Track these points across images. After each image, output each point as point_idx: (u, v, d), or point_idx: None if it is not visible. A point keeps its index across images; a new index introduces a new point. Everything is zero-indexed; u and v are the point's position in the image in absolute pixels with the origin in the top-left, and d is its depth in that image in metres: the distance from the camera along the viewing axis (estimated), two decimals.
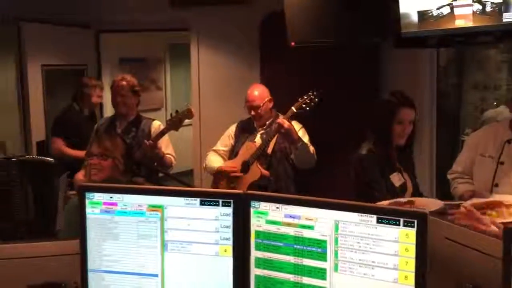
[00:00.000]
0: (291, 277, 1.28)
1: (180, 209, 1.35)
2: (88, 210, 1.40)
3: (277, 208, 1.29)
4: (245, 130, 3.46)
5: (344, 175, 2.59)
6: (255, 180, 3.24)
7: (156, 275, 1.37)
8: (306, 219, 1.26)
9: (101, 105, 4.91)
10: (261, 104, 3.30)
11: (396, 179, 2.46)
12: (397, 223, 1.15)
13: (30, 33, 4.07)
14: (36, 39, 4.12)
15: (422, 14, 2.71)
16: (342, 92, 3.79)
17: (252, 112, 3.34)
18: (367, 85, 3.90)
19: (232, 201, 1.32)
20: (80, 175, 3.51)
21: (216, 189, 1.29)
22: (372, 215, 1.17)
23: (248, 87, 3.46)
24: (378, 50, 3.95)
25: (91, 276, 1.40)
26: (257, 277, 1.32)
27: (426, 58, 3.81)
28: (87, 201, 1.40)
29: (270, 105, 3.38)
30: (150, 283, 1.37)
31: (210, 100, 4.55)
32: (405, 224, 1.14)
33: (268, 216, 1.30)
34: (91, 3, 4.64)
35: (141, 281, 1.38)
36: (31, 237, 2.45)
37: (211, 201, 1.33)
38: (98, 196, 1.40)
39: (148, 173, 3.20)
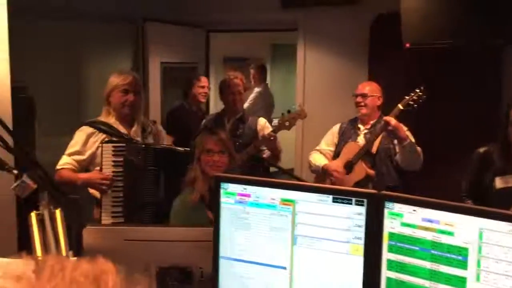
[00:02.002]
0: (426, 283, 1.24)
1: (312, 205, 1.37)
2: (223, 199, 1.46)
3: (414, 211, 1.26)
4: (348, 130, 3.44)
5: (449, 179, 2.54)
6: (360, 180, 3.21)
7: (285, 268, 1.40)
8: (446, 224, 1.22)
9: (207, 102, 5.11)
10: (371, 94, 3.27)
11: (500, 182, 2.40)
12: None
13: (152, 32, 4.34)
14: (157, 38, 4.39)
15: None
16: (455, 94, 3.64)
17: (359, 99, 3.30)
18: (487, 87, 3.71)
19: (365, 200, 1.32)
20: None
21: (350, 188, 1.29)
22: None
23: (356, 87, 3.45)
24: (501, 52, 3.74)
25: (222, 263, 1.47)
26: (389, 279, 1.30)
27: None
28: (221, 191, 1.46)
29: (379, 102, 3.33)
30: (279, 275, 1.41)
31: (315, 100, 4.56)
32: None
33: (403, 218, 1.28)
34: (204, 3, 4.85)
35: (270, 272, 1.42)
36: (156, 220, 2.62)
37: (344, 199, 1.34)
38: (233, 187, 1.45)
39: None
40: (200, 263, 1.64)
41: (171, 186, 2.73)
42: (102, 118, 2.90)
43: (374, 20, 4.14)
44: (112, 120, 2.86)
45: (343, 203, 1.34)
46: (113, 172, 2.70)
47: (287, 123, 3.26)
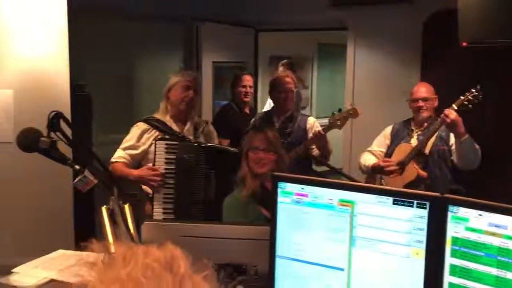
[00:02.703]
0: None
1: (372, 207, 1.35)
2: (280, 199, 1.47)
3: (480, 215, 1.22)
4: (401, 131, 3.37)
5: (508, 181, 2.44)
6: (411, 181, 3.14)
7: (343, 269, 1.39)
8: None
9: (255, 100, 5.13)
10: (431, 97, 3.20)
11: None
12: None
13: (205, 32, 4.40)
14: (210, 38, 4.45)
15: None
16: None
17: (420, 103, 3.22)
18: None
19: (428, 203, 1.29)
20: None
21: (412, 190, 1.26)
22: None
23: (408, 87, 3.38)
24: None
25: (278, 262, 1.47)
26: (452, 285, 1.26)
27: None
28: (279, 190, 1.47)
29: (436, 103, 3.25)
30: (336, 276, 1.40)
31: (364, 100, 4.49)
32: None
33: (468, 222, 1.24)
34: (254, 4, 4.87)
35: (327, 273, 1.41)
36: (205, 219, 2.66)
37: (405, 201, 1.31)
38: (290, 187, 1.45)
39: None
40: (255, 261, 1.65)
41: (222, 185, 2.77)
42: (158, 115, 2.97)
43: (428, 18, 4.03)
44: (167, 118, 2.94)
45: (404, 205, 1.31)
46: (165, 169, 2.76)
47: (338, 122, 3.23)
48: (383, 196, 1.34)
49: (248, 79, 4.42)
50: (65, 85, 3.05)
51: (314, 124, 3.60)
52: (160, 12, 4.29)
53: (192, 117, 2.99)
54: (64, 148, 1.72)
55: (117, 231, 1.11)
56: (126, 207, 1.22)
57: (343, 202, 1.39)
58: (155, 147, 2.79)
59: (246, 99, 4.45)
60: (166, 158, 2.77)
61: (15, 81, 2.85)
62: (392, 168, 3.19)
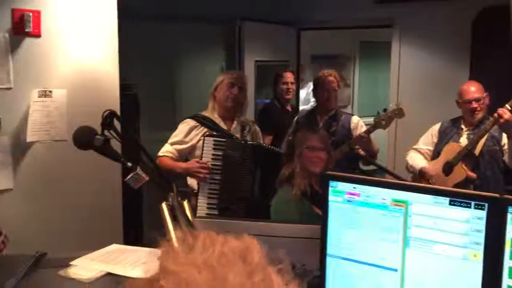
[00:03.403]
0: None
1: (427, 207, 1.33)
2: (331, 198, 1.46)
3: None
4: (450, 130, 3.29)
5: None
6: (459, 182, 3.07)
7: (396, 270, 1.37)
8: None
9: (297, 99, 5.12)
10: (482, 96, 3.11)
11: None
12: None
13: (248, 31, 4.43)
14: (252, 37, 4.48)
15: None
16: None
17: (474, 104, 3.13)
18: None
19: (486, 204, 1.25)
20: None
21: (470, 191, 1.24)
22: None
23: (456, 86, 3.28)
24: None
25: (329, 261, 1.47)
26: None
27: None
28: (330, 189, 1.46)
29: (487, 101, 3.16)
30: (389, 277, 1.38)
31: (410, 99, 4.41)
32: None
33: None
34: (297, 2, 4.86)
35: (379, 273, 1.39)
36: (248, 216, 2.68)
37: (462, 202, 1.28)
38: (342, 186, 1.45)
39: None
40: (303, 259, 1.65)
41: (266, 183, 2.78)
42: (206, 113, 3.02)
43: (478, 14, 3.92)
44: (214, 116, 2.98)
45: (461, 206, 1.28)
46: (211, 165, 2.81)
47: (383, 122, 3.18)
48: (440, 197, 1.31)
49: (289, 76, 4.42)
50: (114, 85, 3.14)
51: (358, 123, 3.57)
52: (203, 12, 4.35)
53: (239, 116, 3.02)
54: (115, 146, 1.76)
55: (178, 227, 1.13)
56: (185, 203, 1.25)
57: (397, 202, 1.37)
58: (203, 143, 2.84)
59: (288, 96, 4.46)
60: (213, 154, 2.82)
61: (68, 81, 2.95)
62: (435, 179, 3.13)
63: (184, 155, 2.98)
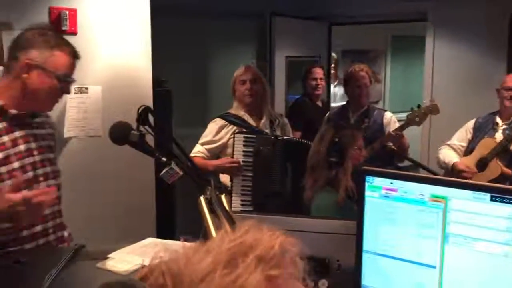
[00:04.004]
0: None
1: (466, 203, 1.30)
2: (367, 193, 1.45)
3: None
4: (485, 125, 3.21)
5: None
6: (493, 179, 2.99)
7: (434, 267, 1.35)
8: None
9: (328, 94, 5.08)
10: None
11: None
12: None
13: (279, 26, 4.43)
14: (283, 32, 4.47)
15: None
16: None
17: (510, 92, 3.06)
18: None
19: None
20: None
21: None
22: None
23: (492, 82, 3.21)
24: None
25: (365, 257, 1.45)
26: None
27: None
28: (366, 185, 1.45)
29: None
30: (427, 274, 1.36)
31: (444, 95, 4.32)
32: None
33: None
34: None
35: (417, 270, 1.37)
36: (282, 211, 2.68)
37: (505, 198, 1.25)
38: (378, 181, 1.43)
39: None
40: (338, 255, 1.64)
41: (298, 178, 2.77)
42: (233, 111, 3.04)
43: None
44: (241, 113, 3.00)
45: (503, 202, 1.25)
46: (243, 162, 2.82)
47: (417, 119, 3.14)
48: (480, 192, 1.28)
49: (318, 72, 4.39)
50: (148, 81, 3.18)
51: (391, 119, 3.51)
52: (234, 8, 4.36)
53: (265, 111, 3.03)
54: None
55: (216, 220, 1.14)
56: (223, 196, 1.26)
57: (436, 197, 1.34)
58: (233, 141, 2.86)
59: (318, 92, 4.43)
60: (244, 151, 2.84)
61: (103, 77, 3.01)
62: (469, 176, 3.07)
63: (215, 155, 3.00)
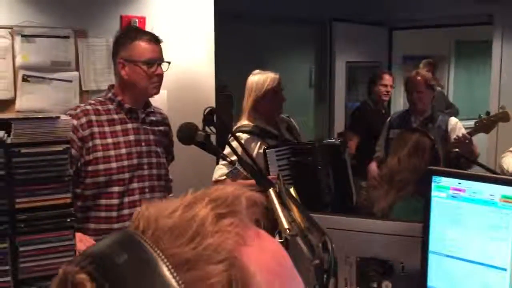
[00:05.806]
0: None
1: None
2: (434, 193, 1.43)
3: None
4: None
5: None
6: None
7: (505, 269, 1.31)
8: None
9: (389, 100, 5.00)
10: None
11: None
12: None
13: (339, 32, 4.43)
14: (342, 38, 4.46)
15: None
16: None
17: None
18: None
19: None
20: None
21: None
22: None
23: None
24: None
25: (431, 258, 1.43)
26: None
27: None
28: (433, 185, 1.43)
29: None
30: (496, 276, 1.32)
31: None
32: None
33: None
34: (387, 1, 4.76)
35: (486, 272, 1.34)
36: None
37: None
38: (445, 181, 1.41)
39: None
40: (401, 257, 1.62)
41: (339, 180, 2.72)
42: (250, 122, 2.82)
43: None
44: (258, 123, 2.79)
45: None
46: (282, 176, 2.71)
47: (486, 126, 3.03)
48: None
49: (388, 79, 4.36)
50: (211, 85, 3.27)
51: (456, 125, 3.41)
52: (293, 14, 4.39)
53: (278, 117, 2.86)
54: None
55: (287, 213, 1.17)
56: (291, 189, 1.29)
57: (507, 198, 1.31)
58: (265, 157, 2.65)
59: (386, 99, 4.39)
60: (279, 166, 2.65)
61: (169, 82, 3.11)
62: None
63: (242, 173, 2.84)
